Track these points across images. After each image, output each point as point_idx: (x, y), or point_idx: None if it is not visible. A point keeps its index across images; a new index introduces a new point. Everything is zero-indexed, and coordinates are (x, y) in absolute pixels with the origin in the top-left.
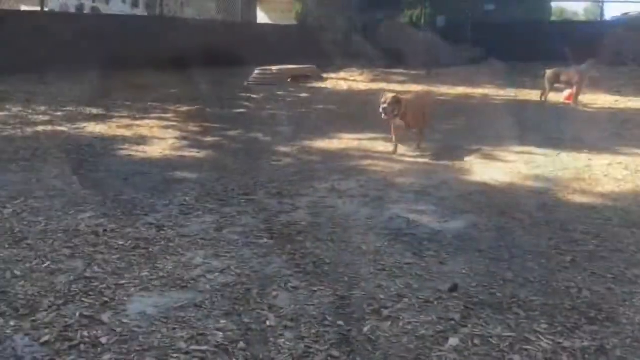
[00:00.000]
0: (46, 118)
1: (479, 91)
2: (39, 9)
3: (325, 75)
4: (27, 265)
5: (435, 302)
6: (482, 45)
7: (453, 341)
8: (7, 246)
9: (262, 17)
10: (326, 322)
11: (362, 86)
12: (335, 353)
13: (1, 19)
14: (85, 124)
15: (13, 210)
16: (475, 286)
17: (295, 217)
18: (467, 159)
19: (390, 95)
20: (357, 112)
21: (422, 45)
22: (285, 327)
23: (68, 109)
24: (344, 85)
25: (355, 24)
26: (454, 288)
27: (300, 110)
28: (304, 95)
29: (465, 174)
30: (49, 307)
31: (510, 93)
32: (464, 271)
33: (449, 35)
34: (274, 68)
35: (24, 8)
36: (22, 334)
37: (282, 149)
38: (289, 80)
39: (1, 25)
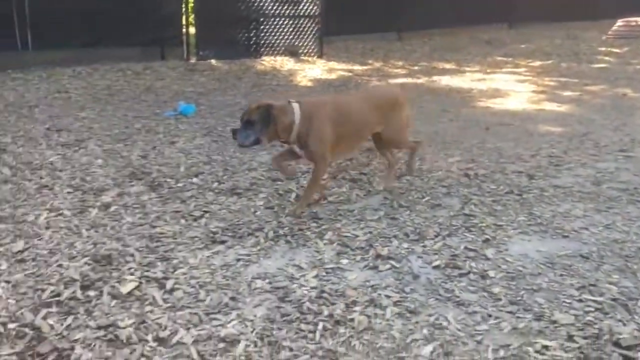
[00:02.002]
0: (404, 72)
1: None
2: None
3: None
4: (409, 197)
5: None
6: None
7: None
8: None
9: None
10: None
11: None
12: None
13: None
14: (439, 77)
15: None
16: None
17: None
18: None
19: (254, 105)
20: None
21: None
22: None
23: (422, 63)
24: None
25: None
26: None
27: None
28: None
29: None
30: (435, 236)
31: None
32: None
33: None
34: None
35: None
36: (415, 256)
37: None
38: None
39: None
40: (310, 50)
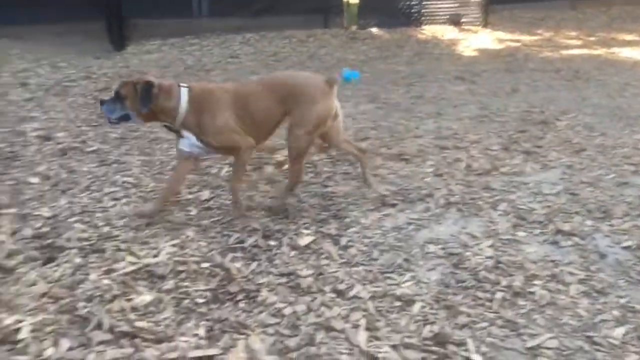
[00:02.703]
0: (578, 42)
1: None
2: None
3: None
4: (591, 174)
5: None
6: None
7: None
8: (568, 154)
9: None
10: None
11: None
12: None
13: None
14: (620, 49)
15: (567, 123)
16: None
17: None
18: None
19: (132, 78)
20: None
21: None
22: None
23: (599, 34)
24: None
25: None
26: None
27: None
28: None
29: None
30: (624, 215)
31: None
32: None
33: None
34: None
35: None
36: (601, 235)
37: None
38: None
39: None
40: (474, 19)
